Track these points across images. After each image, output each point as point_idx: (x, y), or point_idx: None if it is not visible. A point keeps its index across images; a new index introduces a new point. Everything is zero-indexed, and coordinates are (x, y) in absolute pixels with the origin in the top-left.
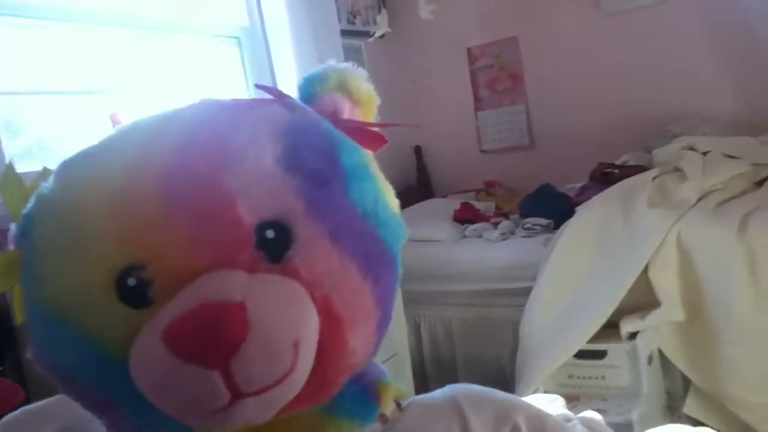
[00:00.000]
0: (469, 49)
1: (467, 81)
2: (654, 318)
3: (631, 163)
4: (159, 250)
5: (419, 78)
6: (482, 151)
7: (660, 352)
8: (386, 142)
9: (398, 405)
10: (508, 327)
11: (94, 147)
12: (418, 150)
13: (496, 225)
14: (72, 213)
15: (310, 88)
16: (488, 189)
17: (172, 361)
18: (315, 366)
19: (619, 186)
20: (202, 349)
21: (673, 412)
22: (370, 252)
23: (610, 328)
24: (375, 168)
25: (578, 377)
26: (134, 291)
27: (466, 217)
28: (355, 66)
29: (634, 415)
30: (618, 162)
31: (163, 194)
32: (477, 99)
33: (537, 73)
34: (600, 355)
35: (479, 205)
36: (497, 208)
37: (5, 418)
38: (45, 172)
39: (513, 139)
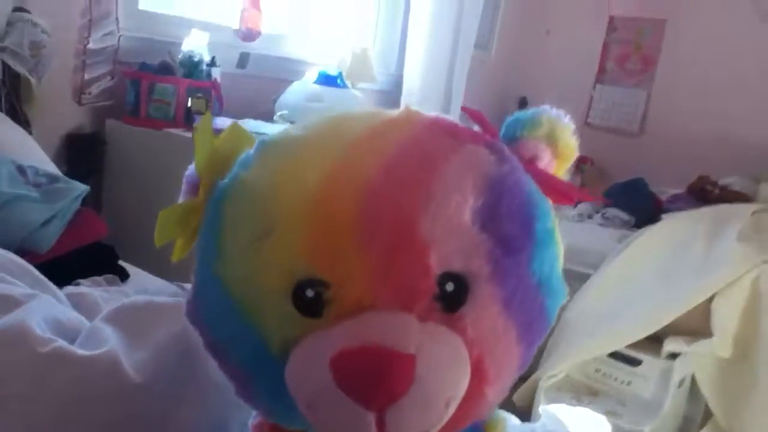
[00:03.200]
0: (611, 18)
1: (598, 49)
2: (700, 347)
3: (735, 188)
4: (345, 275)
5: (553, 31)
6: (587, 124)
7: (692, 378)
8: (575, 202)
9: None
10: None
11: (301, 135)
12: (523, 102)
13: (575, 204)
14: (268, 209)
15: (518, 130)
16: (580, 164)
17: (334, 390)
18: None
19: (714, 209)
20: (367, 390)
21: None
22: (533, 320)
23: (650, 340)
24: (557, 229)
25: (605, 374)
26: (309, 302)
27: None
28: (565, 116)
29: (646, 429)
30: (721, 182)
31: (360, 219)
32: (601, 70)
33: (672, 63)
34: (634, 362)
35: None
36: (582, 186)
37: (129, 303)
38: (234, 129)
39: (623, 122)
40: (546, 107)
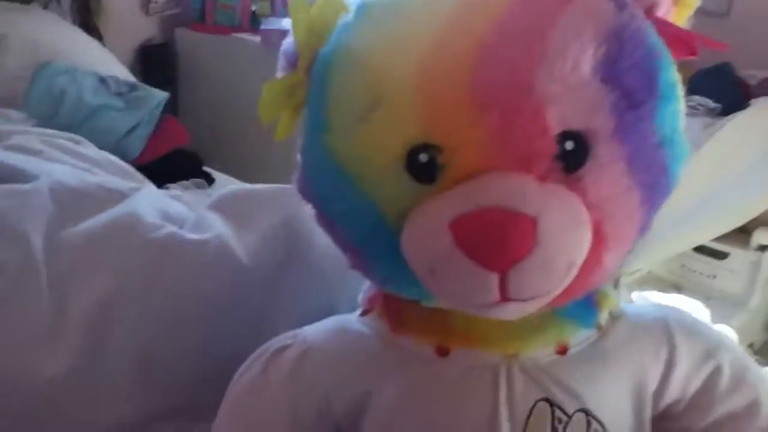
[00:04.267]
0: None
1: None
2: None
3: None
4: (460, 138)
5: None
6: None
7: None
8: (697, 55)
9: (611, 316)
10: None
11: None
12: None
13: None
14: (376, 72)
15: None
16: None
17: (456, 253)
18: None
19: None
20: (489, 252)
21: None
22: (655, 181)
23: (738, 232)
24: (679, 83)
25: (689, 269)
26: (423, 167)
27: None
28: None
29: (734, 323)
30: None
31: (475, 80)
32: None
33: None
34: (721, 255)
35: None
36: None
37: (231, 192)
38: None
39: (709, 1)
40: None
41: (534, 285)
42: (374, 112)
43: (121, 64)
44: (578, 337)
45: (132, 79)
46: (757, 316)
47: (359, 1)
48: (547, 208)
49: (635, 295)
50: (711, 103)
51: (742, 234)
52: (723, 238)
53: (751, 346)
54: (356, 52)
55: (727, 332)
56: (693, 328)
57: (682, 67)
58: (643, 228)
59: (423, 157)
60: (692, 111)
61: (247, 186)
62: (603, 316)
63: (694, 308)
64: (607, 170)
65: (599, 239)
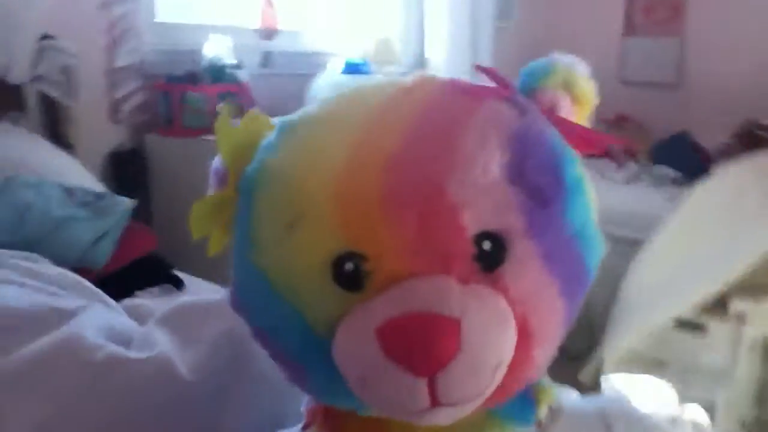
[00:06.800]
0: None
1: (621, 1)
2: None
3: None
4: (379, 245)
5: None
6: (623, 82)
7: (766, 340)
8: (601, 150)
9: (551, 410)
10: (610, 275)
11: (319, 113)
12: None
13: (620, 166)
14: (297, 189)
15: (534, 81)
16: (620, 123)
17: (384, 360)
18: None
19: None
20: (416, 358)
21: (762, 403)
22: (573, 273)
23: (715, 305)
24: (586, 177)
25: (671, 345)
26: (350, 275)
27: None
28: (579, 61)
29: (720, 398)
30: None
31: (387, 188)
32: (628, 23)
33: (703, 4)
34: (700, 328)
35: None
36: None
37: (177, 305)
38: (252, 116)
39: (659, 75)
40: (558, 55)
41: (463, 388)
42: (297, 226)
43: (89, 172)
44: None
45: (99, 187)
46: (744, 390)
47: (280, 121)
48: (469, 309)
49: (603, 379)
50: (672, 173)
51: (719, 307)
52: (702, 312)
53: (742, 423)
54: (277, 169)
55: (697, 412)
56: (631, 418)
57: (641, 137)
58: (567, 319)
59: (349, 266)
60: (655, 182)
61: (194, 298)
62: (542, 412)
63: (661, 390)
64: (526, 266)
65: (526, 335)
